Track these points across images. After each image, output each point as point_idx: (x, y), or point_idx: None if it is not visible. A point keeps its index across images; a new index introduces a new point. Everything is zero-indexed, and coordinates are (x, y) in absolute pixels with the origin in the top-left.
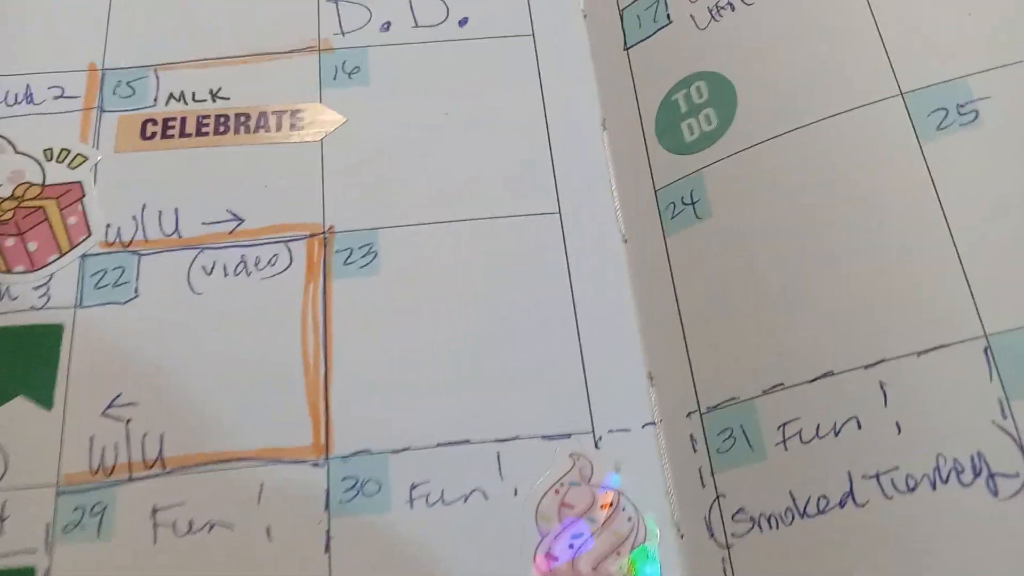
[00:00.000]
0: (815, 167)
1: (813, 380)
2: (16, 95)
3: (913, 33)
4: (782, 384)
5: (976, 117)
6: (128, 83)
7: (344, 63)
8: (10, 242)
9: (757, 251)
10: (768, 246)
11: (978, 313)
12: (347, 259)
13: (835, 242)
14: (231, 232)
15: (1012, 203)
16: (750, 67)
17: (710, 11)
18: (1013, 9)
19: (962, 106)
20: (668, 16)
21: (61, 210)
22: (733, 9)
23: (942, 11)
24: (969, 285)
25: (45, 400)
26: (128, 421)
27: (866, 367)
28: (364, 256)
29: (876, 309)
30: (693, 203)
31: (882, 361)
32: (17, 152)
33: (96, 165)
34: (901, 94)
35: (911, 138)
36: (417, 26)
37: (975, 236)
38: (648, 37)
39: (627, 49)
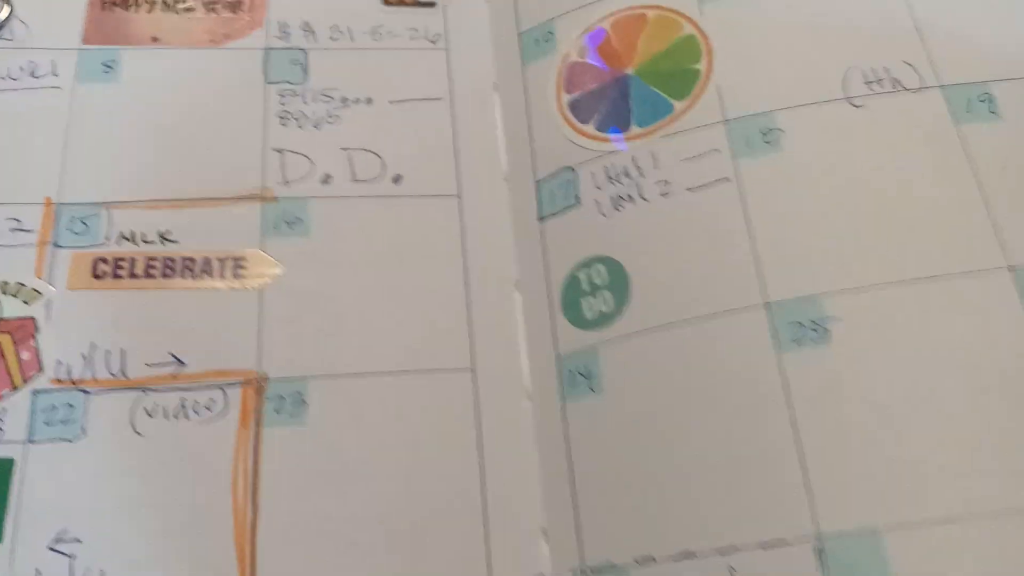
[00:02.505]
0: (690, 361)
1: (677, 559)
2: None
3: (779, 247)
4: (653, 558)
5: (827, 334)
6: (81, 219)
7: (285, 213)
8: None
9: (640, 431)
10: (649, 427)
11: (812, 514)
12: (278, 407)
13: (702, 433)
14: (173, 375)
15: (855, 418)
16: (643, 259)
17: (612, 200)
18: (865, 234)
19: (815, 322)
20: (577, 197)
21: (15, 345)
22: (633, 202)
23: (807, 230)
24: (809, 487)
25: None
26: (72, 557)
27: (720, 552)
28: (294, 405)
29: (730, 499)
30: (589, 377)
31: (733, 548)
32: None
33: (49, 301)
34: (766, 305)
35: (771, 348)
36: (355, 180)
37: (819, 442)
38: (559, 213)
39: (541, 220)
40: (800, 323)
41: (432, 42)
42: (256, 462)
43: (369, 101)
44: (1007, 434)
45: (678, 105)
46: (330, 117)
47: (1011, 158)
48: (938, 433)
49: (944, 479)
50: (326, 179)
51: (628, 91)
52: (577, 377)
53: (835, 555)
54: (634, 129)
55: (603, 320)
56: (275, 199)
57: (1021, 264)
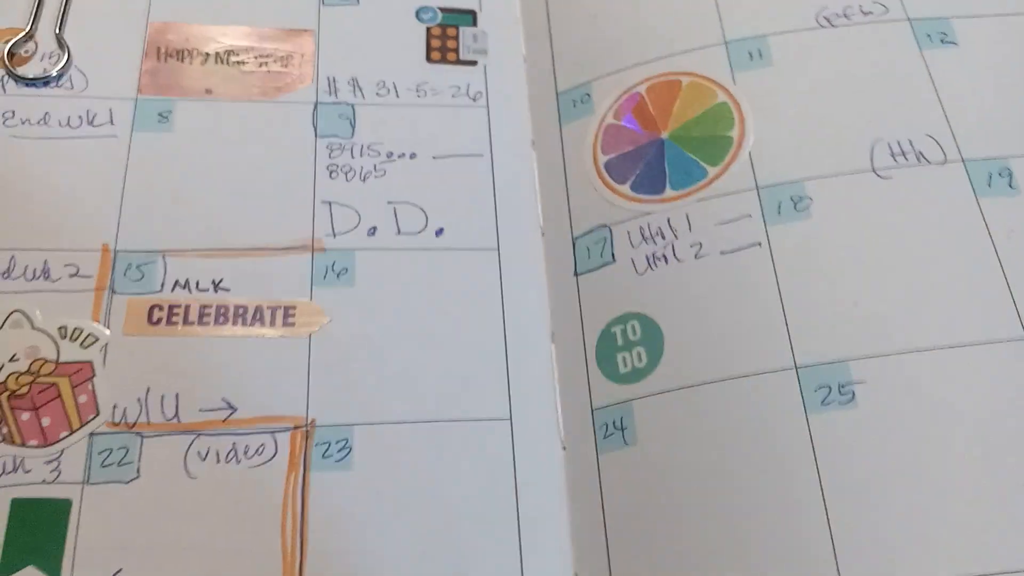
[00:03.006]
0: (722, 418)
1: None
2: (34, 270)
3: (809, 312)
4: None
5: (853, 398)
6: (138, 266)
7: (334, 264)
8: (25, 416)
9: (671, 483)
10: (680, 480)
11: (836, 569)
12: (325, 452)
13: (731, 488)
14: (224, 420)
15: (878, 478)
16: (677, 317)
17: (647, 258)
18: (891, 302)
19: (843, 386)
20: (613, 255)
21: (73, 388)
22: (667, 262)
23: (835, 296)
24: (833, 542)
25: (53, 571)
26: None
27: None
28: (340, 450)
29: (758, 553)
30: (623, 429)
31: None
32: (34, 328)
33: (106, 346)
34: (795, 368)
35: (800, 409)
36: (400, 233)
37: (843, 499)
38: (594, 269)
39: (576, 275)
40: (828, 386)
41: (473, 99)
42: (304, 505)
43: (413, 156)
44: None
45: (711, 170)
46: (376, 171)
47: None
48: (956, 493)
49: (960, 538)
50: (372, 231)
51: (663, 155)
52: (611, 429)
53: None
54: (669, 192)
55: (637, 375)
56: (324, 250)
57: None
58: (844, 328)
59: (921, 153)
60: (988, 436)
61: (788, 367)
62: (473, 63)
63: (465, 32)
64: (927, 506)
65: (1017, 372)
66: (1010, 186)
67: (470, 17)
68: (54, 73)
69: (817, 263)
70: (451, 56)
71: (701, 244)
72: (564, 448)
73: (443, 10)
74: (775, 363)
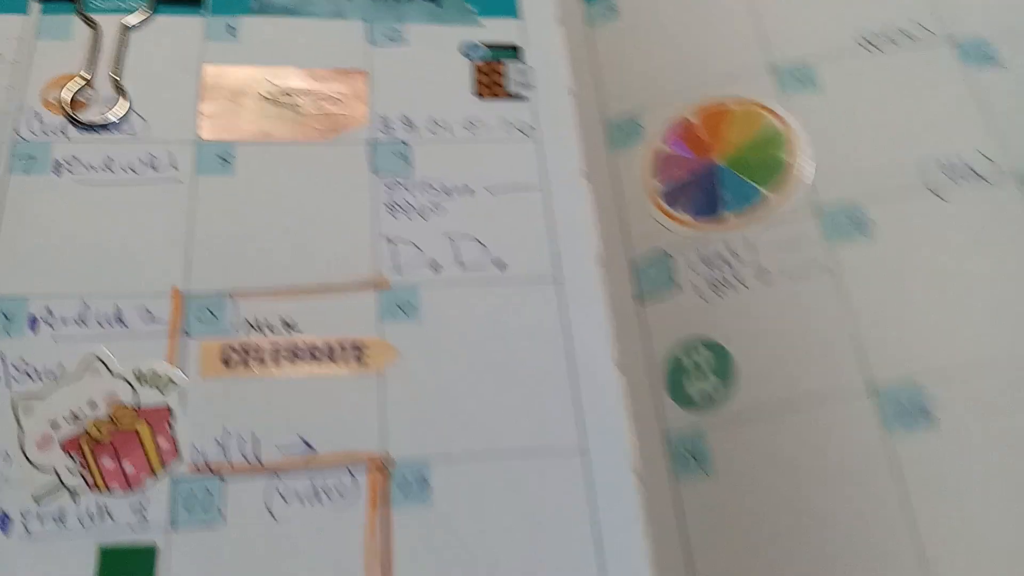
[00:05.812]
0: (801, 444)
1: None
2: (108, 317)
3: (882, 333)
4: None
5: (930, 416)
6: (209, 309)
7: (400, 299)
8: (108, 463)
9: (755, 513)
10: (764, 510)
11: None
12: (404, 489)
13: (817, 516)
14: (304, 460)
15: (963, 493)
16: (747, 343)
17: (711, 285)
18: (959, 319)
19: (917, 404)
20: (675, 281)
21: (153, 433)
22: (734, 287)
23: (906, 316)
24: (925, 563)
25: None
26: None
27: None
28: (419, 487)
29: None
30: (699, 460)
31: None
32: (112, 375)
33: (184, 389)
34: (874, 390)
35: (878, 431)
36: (462, 267)
37: (932, 518)
38: (658, 296)
39: (639, 301)
40: (905, 406)
41: (524, 133)
42: (388, 543)
43: (469, 191)
44: None
45: (768, 193)
46: (434, 206)
47: None
48: None
49: None
50: (435, 266)
51: (718, 179)
52: (689, 459)
53: None
54: (727, 216)
55: (709, 402)
56: (389, 286)
57: None
58: (918, 347)
59: (970, 167)
60: None
61: (862, 388)
62: (521, 97)
63: (511, 67)
64: (1010, 518)
65: None
66: None
67: (514, 52)
68: (114, 119)
69: (884, 284)
70: (499, 91)
71: (765, 269)
72: (640, 479)
73: (488, 46)
74: (850, 385)
